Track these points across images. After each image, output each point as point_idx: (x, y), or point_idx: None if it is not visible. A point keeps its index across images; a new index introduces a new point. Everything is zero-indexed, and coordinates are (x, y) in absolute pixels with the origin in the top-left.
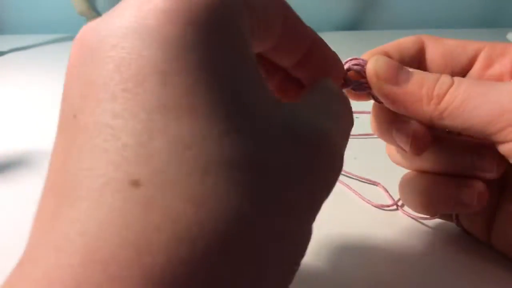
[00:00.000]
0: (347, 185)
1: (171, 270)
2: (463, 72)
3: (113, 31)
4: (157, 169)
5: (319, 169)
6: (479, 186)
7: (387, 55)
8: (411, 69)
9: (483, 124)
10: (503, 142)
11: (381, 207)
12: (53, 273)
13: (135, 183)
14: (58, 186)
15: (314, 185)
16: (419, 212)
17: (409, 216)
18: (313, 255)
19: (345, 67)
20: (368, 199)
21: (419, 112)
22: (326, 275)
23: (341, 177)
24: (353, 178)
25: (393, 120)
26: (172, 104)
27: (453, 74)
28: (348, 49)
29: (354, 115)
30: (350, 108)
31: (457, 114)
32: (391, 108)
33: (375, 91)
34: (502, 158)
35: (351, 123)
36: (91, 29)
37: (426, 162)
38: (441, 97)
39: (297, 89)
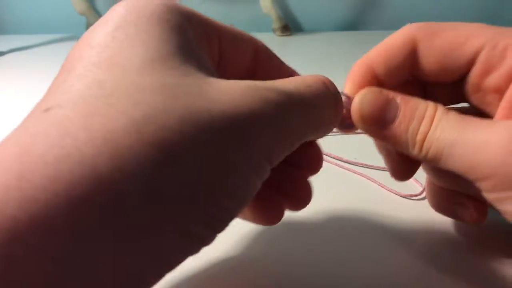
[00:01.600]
0: (372, 178)
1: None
2: (461, 73)
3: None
4: (68, 98)
5: (256, 127)
6: (477, 204)
7: (371, 72)
8: (399, 100)
9: (460, 172)
10: (482, 191)
11: (409, 196)
12: None
13: (47, 110)
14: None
15: (248, 142)
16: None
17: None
18: (340, 248)
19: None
20: (395, 189)
21: (407, 152)
22: (354, 268)
23: (363, 171)
24: (375, 169)
25: (379, 147)
26: (101, 59)
27: (449, 76)
28: (348, 49)
29: None
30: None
31: (436, 160)
32: (380, 144)
33: (360, 129)
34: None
35: (328, 112)
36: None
37: (428, 173)
38: (422, 142)
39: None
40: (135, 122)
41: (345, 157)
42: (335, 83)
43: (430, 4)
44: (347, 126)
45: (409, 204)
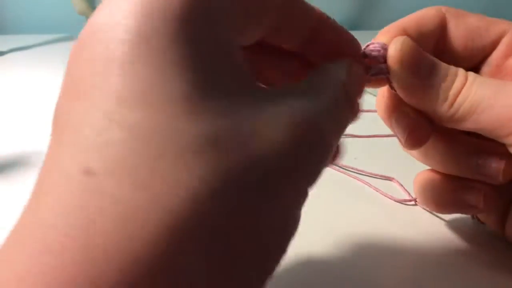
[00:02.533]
0: (367, 182)
1: (117, 253)
2: (484, 55)
3: (98, 26)
4: (110, 158)
5: (306, 152)
6: (486, 189)
7: (405, 32)
8: (434, 59)
9: (492, 128)
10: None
11: (403, 201)
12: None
13: (88, 172)
14: (39, 181)
15: (296, 173)
16: (432, 210)
17: (426, 210)
18: (333, 252)
19: (362, 52)
20: (389, 194)
21: (432, 110)
22: (348, 272)
23: (355, 175)
24: (366, 175)
25: (394, 109)
26: (128, 95)
27: (472, 57)
28: None
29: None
30: (353, 98)
31: (467, 117)
32: (404, 99)
33: (393, 79)
34: (509, 164)
35: (349, 114)
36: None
37: (433, 161)
38: (454, 98)
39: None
40: (194, 197)
41: (343, 162)
42: None
43: (430, 4)
44: (379, 72)
45: (403, 209)
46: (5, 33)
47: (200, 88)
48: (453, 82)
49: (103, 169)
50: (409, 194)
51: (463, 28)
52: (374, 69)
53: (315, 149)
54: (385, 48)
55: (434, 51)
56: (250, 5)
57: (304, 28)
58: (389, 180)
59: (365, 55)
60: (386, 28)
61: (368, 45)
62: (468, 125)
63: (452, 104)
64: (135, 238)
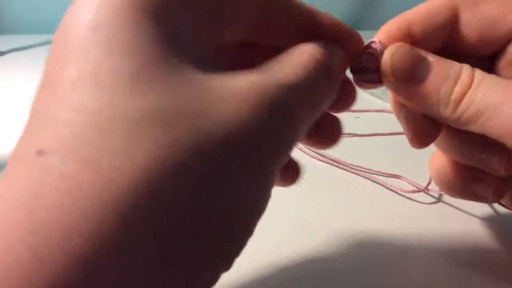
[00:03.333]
0: (374, 180)
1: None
2: (500, 45)
3: (63, 22)
4: (59, 137)
5: (261, 134)
6: (497, 181)
7: (410, 27)
8: (431, 58)
9: (499, 135)
10: None
11: (411, 192)
12: None
13: (39, 152)
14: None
15: (255, 152)
16: (444, 193)
17: (436, 207)
18: (342, 252)
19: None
20: (397, 187)
21: (435, 113)
22: (355, 271)
23: (363, 173)
24: (373, 174)
25: (402, 107)
26: (78, 78)
27: (487, 46)
28: None
29: (354, 115)
30: (330, 74)
31: (472, 122)
32: (405, 104)
33: (389, 87)
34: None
35: (326, 90)
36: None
37: (441, 149)
38: (458, 103)
39: None
40: (139, 171)
41: (346, 160)
42: None
43: None
44: (371, 80)
45: (413, 206)
46: (5, 33)
47: (148, 69)
48: (455, 84)
49: (52, 149)
50: (417, 188)
51: (478, 18)
52: (367, 75)
53: (278, 126)
54: (381, 51)
55: (445, 45)
56: (222, 4)
57: (292, 25)
58: (397, 178)
59: (366, 50)
60: (388, 24)
61: (366, 46)
62: (474, 129)
63: (455, 110)
64: (80, 212)
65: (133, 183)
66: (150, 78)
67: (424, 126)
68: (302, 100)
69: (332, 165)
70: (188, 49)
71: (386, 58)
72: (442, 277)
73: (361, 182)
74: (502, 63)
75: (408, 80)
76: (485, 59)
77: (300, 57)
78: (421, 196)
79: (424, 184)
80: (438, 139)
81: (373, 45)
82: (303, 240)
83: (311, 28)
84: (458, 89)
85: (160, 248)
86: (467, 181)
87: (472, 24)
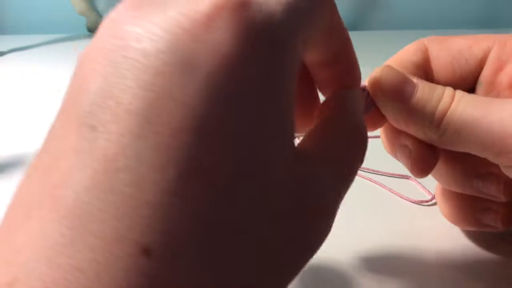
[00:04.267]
0: (381, 184)
1: None
2: (474, 76)
3: (158, 49)
4: (171, 242)
5: (311, 239)
6: (504, 209)
7: None
8: (416, 80)
9: (480, 149)
10: (505, 166)
11: (419, 203)
12: None
13: (147, 252)
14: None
15: (300, 252)
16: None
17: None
18: (350, 255)
19: None
20: (405, 195)
21: (422, 132)
22: (363, 278)
23: (370, 176)
24: (382, 175)
25: (394, 143)
26: (192, 166)
27: (462, 80)
28: None
29: None
30: (365, 141)
31: (455, 139)
32: (395, 126)
33: (380, 106)
34: (509, 184)
35: (361, 162)
36: (131, 24)
37: (440, 181)
38: (440, 120)
39: (310, 90)
40: None
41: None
42: None
43: (430, 4)
44: (366, 107)
45: (420, 210)
46: (5, 33)
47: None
48: (438, 103)
49: (158, 251)
50: (428, 192)
51: (446, 54)
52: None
53: (322, 228)
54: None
55: None
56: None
57: (336, 44)
58: (406, 178)
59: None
60: (370, 77)
61: None
62: (458, 147)
63: (438, 127)
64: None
65: None
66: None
67: (419, 155)
68: (343, 186)
69: None
70: (291, 133)
71: (375, 76)
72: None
73: (367, 185)
74: (480, 92)
75: (396, 96)
76: (467, 92)
77: (348, 134)
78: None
79: (432, 185)
80: (437, 172)
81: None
82: None
83: (343, 51)
84: (440, 107)
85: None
86: (474, 212)
87: (442, 59)
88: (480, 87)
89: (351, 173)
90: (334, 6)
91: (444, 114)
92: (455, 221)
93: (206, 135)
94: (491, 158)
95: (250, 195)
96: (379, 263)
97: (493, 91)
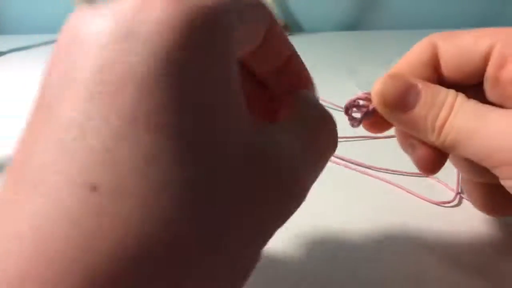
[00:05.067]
0: (401, 186)
1: (112, 274)
2: (480, 72)
3: (106, 30)
4: (117, 177)
5: (276, 201)
6: None
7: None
8: (420, 85)
9: (478, 159)
10: (500, 178)
11: (441, 204)
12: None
13: (93, 188)
14: (20, 175)
15: (267, 215)
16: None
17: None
18: (369, 259)
19: (354, 98)
20: (426, 196)
21: (426, 139)
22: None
23: (391, 178)
24: (402, 175)
25: (405, 138)
26: (143, 118)
27: (469, 76)
28: (348, 49)
29: None
30: (331, 123)
31: (454, 147)
32: (402, 130)
33: (383, 116)
34: None
35: (330, 145)
36: (85, 18)
37: (465, 174)
38: (441, 129)
39: (266, 100)
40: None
41: (374, 164)
42: (336, 83)
43: (430, 4)
44: (366, 113)
45: (442, 212)
46: (5, 33)
47: (202, 127)
48: (439, 111)
49: (105, 186)
50: (452, 189)
51: (453, 51)
52: (364, 113)
53: (289, 192)
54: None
55: (435, 80)
56: (248, 28)
57: (281, 55)
58: (426, 176)
59: (351, 106)
60: (380, 79)
61: (354, 99)
62: (459, 154)
63: (439, 135)
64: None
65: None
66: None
67: (426, 155)
68: (310, 159)
69: (354, 169)
70: (240, 101)
71: (377, 88)
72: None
73: (385, 186)
74: (486, 88)
75: (398, 108)
76: (477, 87)
77: (310, 112)
78: (448, 196)
79: (451, 180)
80: (458, 165)
81: (358, 96)
82: (318, 246)
83: (289, 64)
84: (441, 115)
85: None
86: (505, 197)
87: (449, 56)
88: (486, 82)
89: (320, 150)
90: (270, 12)
91: (444, 123)
92: (488, 210)
93: (148, 92)
94: (490, 169)
95: (197, 141)
96: (395, 268)
97: (497, 87)
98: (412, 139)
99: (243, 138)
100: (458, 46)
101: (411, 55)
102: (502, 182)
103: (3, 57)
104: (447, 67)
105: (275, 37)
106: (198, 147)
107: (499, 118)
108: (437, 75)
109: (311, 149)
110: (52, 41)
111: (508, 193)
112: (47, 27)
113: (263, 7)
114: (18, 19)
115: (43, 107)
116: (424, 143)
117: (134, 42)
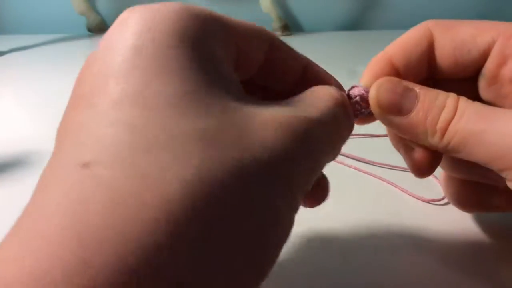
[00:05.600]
0: (392, 182)
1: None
2: (476, 67)
3: (130, 28)
4: (105, 151)
5: (290, 160)
6: (509, 188)
7: (392, 63)
8: (418, 89)
9: (484, 162)
10: (508, 180)
11: (432, 201)
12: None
13: (84, 165)
14: (41, 179)
15: (286, 176)
16: (458, 209)
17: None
18: (360, 256)
19: (347, 94)
20: (417, 194)
21: (425, 142)
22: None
23: (383, 173)
24: (399, 170)
25: (399, 141)
26: (123, 98)
27: (464, 70)
28: (348, 49)
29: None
30: (349, 113)
31: (459, 150)
32: (398, 134)
33: (379, 120)
34: None
35: (347, 129)
36: (111, 31)
37: (447, 170)
38: (443, 131)
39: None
40: (187, 185)
41: (365, 158)
42: None
43: (430, 4)
44: (363, 115)
45: (432, 210)
46: (5, 33)
47: (194, 93)
48: (440, 113)
49: (98, 161)
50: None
51: (449, 43)
52: (358, 113)
53: (309, 156)
54: (367, 91)
55: (427, 73)
56: (241, 40)
57: (290, 72)
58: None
59: (349, 97)
60: (372, 61)
61: (352, 88)
62: (463, 157)
63: (442, 138)
64: (129, 221)
65: (182, 196)
66: (196, 102)
67: (421, 157)
68: (328, 133)
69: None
70: (225, 79)
71: (373, 93)
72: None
73: (376, 182)
74: (481, 85)
75: (395, 112)
76: (469, 81)
77: (324, 97)
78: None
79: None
80: (443, 163)
81: (356, 90)
82: (307, 244)
83: (308, 77)
84: (443, 118)
85: (202, 256)
86: (480, 194)
87: (446, 48)
88: (482, 79)
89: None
90: (269, 33)
91: (447, 125)
92: (462, 205)
93: (141, 68)
94: (497, 172)
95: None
96: (384, 263)
97: (495, 84)
98: (406, 142)
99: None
100: (455, 39)
101: (404, 47)
102: (509, 184)
103: (3, 57)
104: (441, 59)
105: (280, 54)
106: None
107: (508, 119)
108: (429, 65)
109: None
110: (52, 41)
111: (483, 191)
112: (47, 27)
113: (261, 30)
114: (18, 19)
115: (81, 99)
116: (419, 146)
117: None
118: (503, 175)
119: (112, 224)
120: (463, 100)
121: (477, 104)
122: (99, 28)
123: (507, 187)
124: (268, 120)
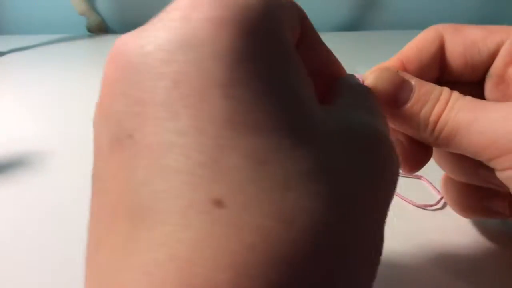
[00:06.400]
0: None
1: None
2: (484, 68)
3: (161, 45)
4: (237, 186)
5: (385, 164)
6: (509, 194)
7: (404, 66)
8: (413, 82)
9: (473, 153)
10: (497, 170)
11: (424, 207)
12: None
13: (218, 203)
14: (126, 209)
15: (384, 180)
16: (458, 214)
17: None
18: None
19: None
20: (411, 197)
21: (417, 135)
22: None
23: None
24: None
25: (392, 133)
26: (237, 119)
27: (473, 71)
28: (348, 49)
29: None
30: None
31: (449, 142)
32: (392, 126)
33: None
34: None
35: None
36: (130, 43)
37: (448, 171)
38: (435, 124)
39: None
40: (313, 230)
41: None
42: None
43: (430, 4)
44: None
45: (425, 215)
46: (5, 33)
47: (293, 117)
48: (433, 106)
49: (231, 200)
50: (438, 192)
51: (459, 44)
52: None
53: (389, 153)
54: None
55: (437, 75)
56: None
57: (316, 57)
58: (418, 178)
59: None
60: (385, 64)
61: None
62: (453, 150)
63: (433, 130)
64: (270, 263)
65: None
66: (300, 128)
67: (411, 152)
68: (381, 121)
69: None
70: (310, 101)
71: (369, 82)
72: None
73: None
74: (488, 86)
75: (390, 103)
76: (477, 84)
77: (361, 93)
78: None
79: (438, 181)
80: (443, 162)
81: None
82: None
83: (328, 60)
84: (435, 110)
85: None
86: (481, 199)
87: (456, 50)
88: (489, 79)
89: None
90: (301, 9)
91: (439, 116)
92: (462, 209)
93: (232, 95)
94: (486, 162)
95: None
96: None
97: (502, 84)
98: (398, 134)
99: (331, 117)
100: (465, 40)
101: (418, 49)
102: (499, 175)
103: (3, 57)
104: (452, 60)
105: (310, 31)
106: (301, 135)
107: (497, 109)
108: (440, 67)
109: (379, 117)
110: (52, 41)
111: (482, 196)
112: (47, 27)
113: (293, 3)
114: (18, 19)
115: (121, 139)
116: (409, 139)
117: (198, 48)
118: (492, 165)
119: (252, 267)
120: (455, 94)
121: (468, 97)
122: (99, 28)
123: (509, 193)
124: (356, 138)
